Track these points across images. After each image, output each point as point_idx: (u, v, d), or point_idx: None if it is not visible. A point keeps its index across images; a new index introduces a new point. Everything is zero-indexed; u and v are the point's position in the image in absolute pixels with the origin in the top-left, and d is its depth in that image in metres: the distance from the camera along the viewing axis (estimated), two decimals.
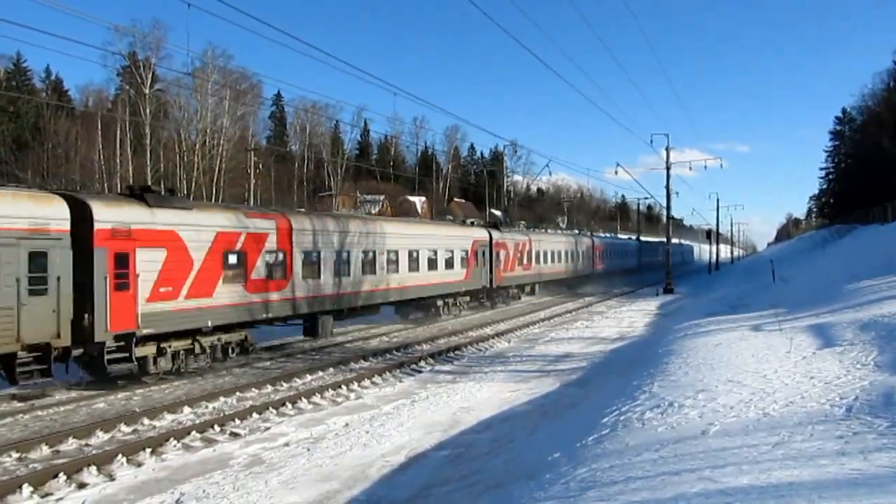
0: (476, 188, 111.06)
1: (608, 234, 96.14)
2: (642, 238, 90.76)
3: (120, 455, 11.70)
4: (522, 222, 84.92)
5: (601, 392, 14.26)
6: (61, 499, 9.97)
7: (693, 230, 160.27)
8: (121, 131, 59.70)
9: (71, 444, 12.53)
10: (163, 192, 19.58)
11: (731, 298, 36.60)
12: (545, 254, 46.94)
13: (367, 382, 18.33)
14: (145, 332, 16.78)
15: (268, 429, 13.74)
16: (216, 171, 64.07)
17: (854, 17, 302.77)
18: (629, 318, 34.85)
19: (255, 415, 14.71)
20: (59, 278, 14.81)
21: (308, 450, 12.21)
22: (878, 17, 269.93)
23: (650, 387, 11.89)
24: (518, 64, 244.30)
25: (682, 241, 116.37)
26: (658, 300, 45.68)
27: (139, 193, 17.86)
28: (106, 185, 57.45)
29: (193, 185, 61.85)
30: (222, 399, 16.06)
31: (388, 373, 19.54)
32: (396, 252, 28.04)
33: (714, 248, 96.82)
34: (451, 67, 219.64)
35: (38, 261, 14.56)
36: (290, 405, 15.61)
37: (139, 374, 17.31)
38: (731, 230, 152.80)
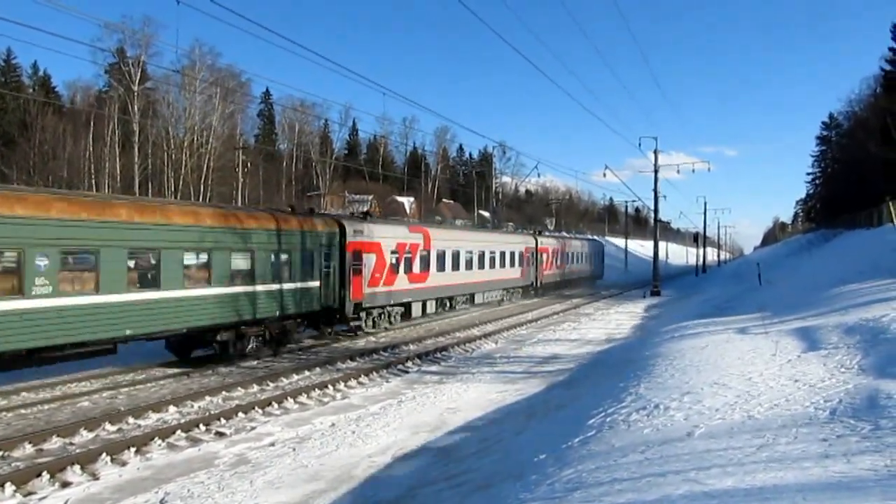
0: (465, 189, 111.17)
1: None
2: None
3: (104, 454, 11.63)
4: (510, 223, 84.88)
5: (587, 393, 14.27)
6: (44, 498, 9.89)
7: (680, 233, 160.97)
8: (109, 129, 59.35)
9: (55, 443, 12.44)
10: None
11: (717, 301, 36.80)
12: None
13: (353, 382, 18.31)
14: None
15: (253, 428, 13.69)
16: (204, 170, 63.78)
17: (842, 22, 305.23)
18: (616, 320, 34.98)
19: (240, 414, 14.66)
20: None
21: (294, 450, 12.18)
22: (866, 22, 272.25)
23: (636, 389, 11.91)
24: (507, 65, 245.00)
25: (589, 237, 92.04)
26: (645, 302, 45.89)
27: None
28: (94, 182, 57.14)
29: (181, 183, 61.57)
30: (208, 398, 15.99)
31: (374, 373, 19.53)
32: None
33: (700, 250, 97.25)
34: (440, 68, 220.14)
35: None
36: (276, 405, 15.57)
37: None
38: (719, 233, 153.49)
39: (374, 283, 27.28)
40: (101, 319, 15.77)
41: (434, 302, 33.27)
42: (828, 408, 8.59)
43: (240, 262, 20.24)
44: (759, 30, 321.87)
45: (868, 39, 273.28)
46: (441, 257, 33.47)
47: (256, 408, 15.13)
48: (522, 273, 45.04)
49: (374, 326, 28.08)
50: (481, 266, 38.39)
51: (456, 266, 35.17)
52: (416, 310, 31.47)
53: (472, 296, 37.77)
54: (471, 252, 37.09)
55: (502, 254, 41.33)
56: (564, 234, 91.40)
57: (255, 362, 20.93)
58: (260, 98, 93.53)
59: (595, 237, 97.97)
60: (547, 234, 59.11)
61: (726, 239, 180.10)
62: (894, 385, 9.06)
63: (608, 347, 23.98)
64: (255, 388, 17.37)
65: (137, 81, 60.64)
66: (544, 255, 48.82)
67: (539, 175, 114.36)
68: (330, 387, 17.52)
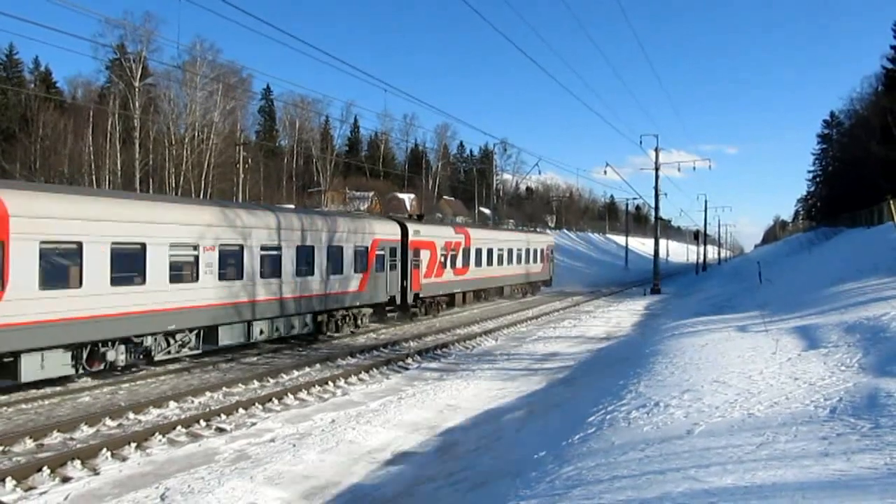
0: (466, 186, 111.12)
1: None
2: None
3: (105, 449, 11.64)
4: (511, 220, 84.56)
5: (587, 391, 14.29)
6: (45, 492, 9.90)
7: (681, 231, 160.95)
8: (110, 124, 59.31)
9: (55, 438, 12.46)
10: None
11: (717, 299, 36.85)
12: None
13: (353, 379, 18.32)
14: None
15: (254, 424, 13.70)
16: (205, 166, 63.74)
17: (843, 21, 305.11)
18: (616, 317, 34.98)
19: (241, 410, 14.68)
20: None
21: (294, 446, 12.19)
22: (868, 21, 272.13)
23: (636, 386, 11.92)
24: (509, 62, 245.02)
25: (529, 228, 78.53)
26: (645, 300, 45.91)
27: None
28: (94, 178, 57.10)
29: (182, 179, 61.54)
30: (208, 394, 16.01)
31: (374, 369, 19.55)
32: None
33: (701, 248, 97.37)
34: (441, 65, 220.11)
35: None
36: (276, 401, 15.59)
37: None
38: (719, 231, 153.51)
39: None
40: None
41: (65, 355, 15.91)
42: (828, 406, 8.60)
43: None
44: (760, 28, 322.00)
45: (869, 38, 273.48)
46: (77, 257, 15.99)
47: (257, 404, 15.15)
48: (364, 283, 27.04)
49: None
50: (238, 273, 20.64)
51: (151, 274, 17.66)
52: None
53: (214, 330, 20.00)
54: (212, 247, 19.49)
55: (303, 252, 23.41)
56: (475, 221, 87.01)
57: (255, 358, 20.95)
58: (261, 94, 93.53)
59: (539, 229, 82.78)
60: (434, 223, 41.86)
61: (727, 237, 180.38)
62: (894, 383, 9.06)
63: (608, 345, 24.00)
64: (256, 384, 17.39)
65: (138, 77, 60.56)
66: (425, 254, 31.90)
67: (540, 172, 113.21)
68: (330, 383, 17.54)
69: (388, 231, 29.43)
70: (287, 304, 22.69)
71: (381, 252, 28.42)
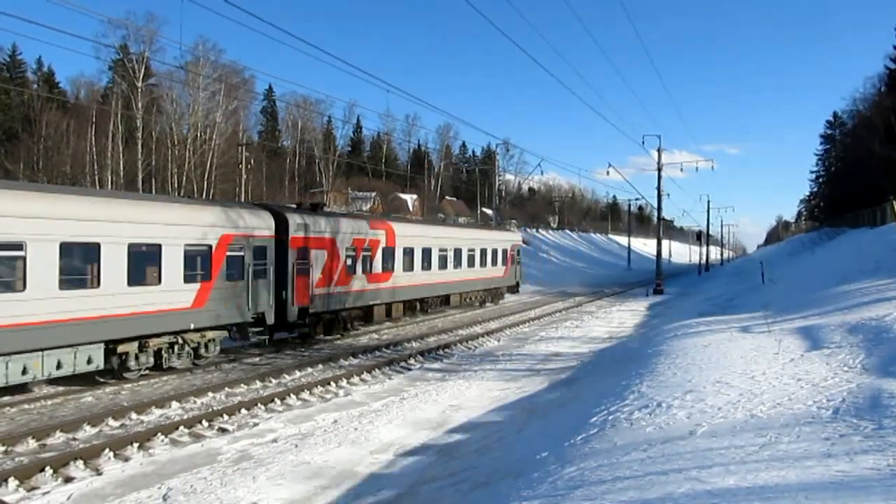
0: (468, 187, 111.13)
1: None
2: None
3: (107, 449, 11.65)
4: (514, 220, 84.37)
5: (590, 391, 14.28)
6: (48, 492, 9.91)
7: (683, 231, 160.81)
8: (112, 125, 59.36)
9: (58, 438, 12.46)
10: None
11: (720, 300, 36.81)
12: None
13: (356, 379, 18.32)
14: None
15: (256, 424, 13.71)
16: (207, 166, 63.77)
17: (846, 21, 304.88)
18: (619, 318, 34.95)
19: (243, 410, 14.67)
20: None
21: (296, 446, 12.19)
22: (871, 21, 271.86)
23: (639, 387, 11.91)
24: (511, 63, 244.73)
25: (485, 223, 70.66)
26: (648, 300, 45.88)
27: None
28: (97, 178, 57.16)
29: (184, 179, 61.57)
30: (211, 394, 16.01)
31: (377, 370, 19.54)
32: None
33: (704, 249, 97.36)
34: (443, 65, 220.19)
35: None
36: (278, 401, 15.59)
37: None
38: (722, 232, 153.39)
39: None
40: None
41: None
42: (831, 407, 8.58)
43: None
44: (763, 28, 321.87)
45: (872, 38, 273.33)
46: None
47: (259, 404, 15.14)
48: (204, 297, 19.07)
49: None
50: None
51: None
52: None
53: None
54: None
55: (77, 252, 15.73)
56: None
57: (257, 359, 20.94)
58: (263, 95, 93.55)
59: (492, 222, 72.07)
60: (339, 214, 30.12)
61: (729, 237, 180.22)
62: None
63: (611, 345, 23.97)
64: (258, 384, 17.38)
65: (141, 77, 60.63)
66: (318, 255, 23.97)
67: (542, 173, 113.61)
68: (332, 383, 17.54)
69: (250, 224, 20.84)
70: (43, 331, 14.68)
71: (237, 253, 20.17)
